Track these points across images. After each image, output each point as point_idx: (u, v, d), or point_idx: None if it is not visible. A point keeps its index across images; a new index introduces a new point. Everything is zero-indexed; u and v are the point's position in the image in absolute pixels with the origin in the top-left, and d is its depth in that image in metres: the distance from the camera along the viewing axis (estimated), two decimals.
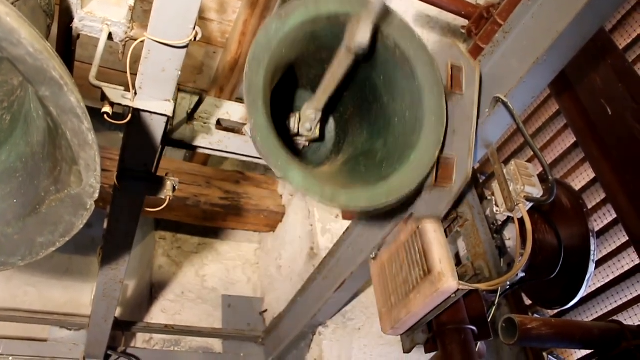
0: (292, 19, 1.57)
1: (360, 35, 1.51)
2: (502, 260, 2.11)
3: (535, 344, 2.98)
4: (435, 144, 1.70)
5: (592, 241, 2.54)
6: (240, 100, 2.07)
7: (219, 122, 1.94)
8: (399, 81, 1.75)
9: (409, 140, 1.71)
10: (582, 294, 2.58)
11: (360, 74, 1.79)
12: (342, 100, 1.93)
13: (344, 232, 2.57)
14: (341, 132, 2.00)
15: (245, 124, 1.95)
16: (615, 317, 3.09)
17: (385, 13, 1.68)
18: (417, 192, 1.83)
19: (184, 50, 1.44)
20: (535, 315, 3.48)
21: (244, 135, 1.94)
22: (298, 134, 1.84)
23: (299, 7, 1.58)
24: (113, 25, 1.47)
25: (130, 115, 1.59)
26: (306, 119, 1.80)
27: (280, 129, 1.65)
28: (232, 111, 1.95)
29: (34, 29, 1.00)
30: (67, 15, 1.48)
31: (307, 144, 1.90)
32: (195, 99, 1.85)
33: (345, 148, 1.96)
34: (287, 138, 1.85)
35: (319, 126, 1.84)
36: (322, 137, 1.96)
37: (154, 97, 1.58)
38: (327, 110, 1.92)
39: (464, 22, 2.84)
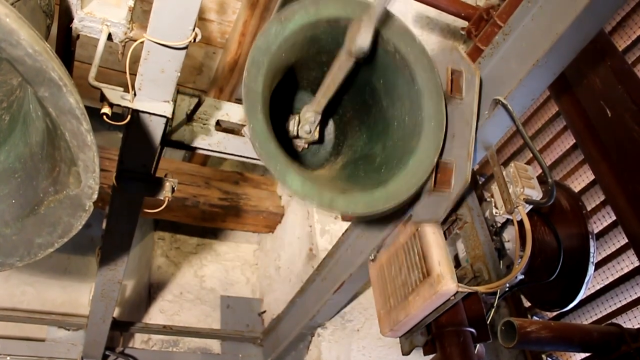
0: (292, 22, 1.57)
1: (361, 40, 1.51)
2: (501, 262, 2.11)
3: (534, 347, 2.98)
4: (435, 149, 1.70)
5: (592, 243, 2.54)
6: (239, 101, 2.07)
7: (218, 123, 1.94)
8: (398, 85, 1.75)
9: (408, 145, 1.70)
10: (581, 296, 2.58)
11: (360, 78, 1.79)
12: (341, 103, 1.93)
13: (343, 234, 2.57)
14: (340, 135, 2.00)
15: (244, 125, 1.95)
16: (614, 320, 3.09)
17: (386, 17, 1.68)
18: (416, 197, 1.83)
19: (184, 51, 1.44)
20: (535, 318, 3.48)
21: (243, 136, 1.94)
22: (297, 136, 1.84)
23: (299, 10, 1.58)
24: (113, 25, 1.47)
25: (129, 116, 1.58)
26: (305, 122, 1.80)
27: (280, 131, 1.65)
28: (232, 112, 1.95)
29: (33, 29, 0.99)
30: (66, 16, 1.48)
31: (306, 146, 1.90)
32: (195, 100, 1.85)
33: (345, 151, 1.96)
34: (286, 140, 1.84)
35: (318, 129, 1.84)
36: (321, 140, 1.96)
37: (153, 98, 1.57)
38: (327, 113, 1.92)
39: (464, 23, 2.84)
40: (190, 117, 1.87)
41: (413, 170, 1.67)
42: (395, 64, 1.72)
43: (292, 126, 1.82)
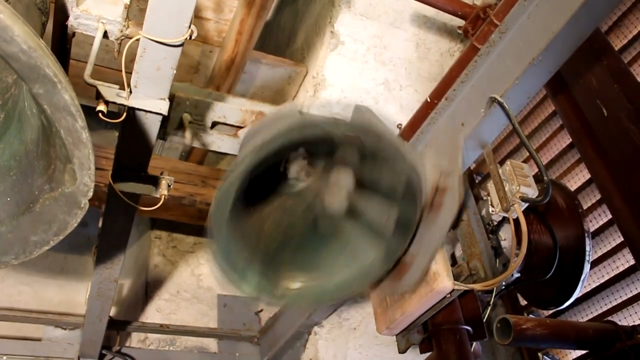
0: (237, 170, 1.52)
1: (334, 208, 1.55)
2: (497, 260, 2.11)
3: (530, 344, 2.99)
4: (395, 257, 1.71)
5: (587, 242, 2.55)
6: None
7: (214, 122, 1.94)
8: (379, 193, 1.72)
9: (375, 242, 1.70)
10: (577, 294, 2.58)
11: None
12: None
13: None
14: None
15: (241, 127, 1.95)
16: (610, 318, 3.10)
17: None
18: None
19: (180, 49, 1.44)
20: (531, 316, 3.49)
21: (239, 137, 1.94)
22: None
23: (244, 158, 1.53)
24: (108, 23, 1.46)
25: (125, 114, 1.58)
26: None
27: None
28: (228, 112, 1.95)
29: (28, 26, 0.99)
30: (62, 13, 1.48)
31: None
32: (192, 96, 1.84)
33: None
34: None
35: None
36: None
37: (149, 96, 1.57)
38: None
39: (461, 22, 2.84)
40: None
41: (370, 269, 1.70)
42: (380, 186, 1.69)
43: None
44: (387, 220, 1.67)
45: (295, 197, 1.77)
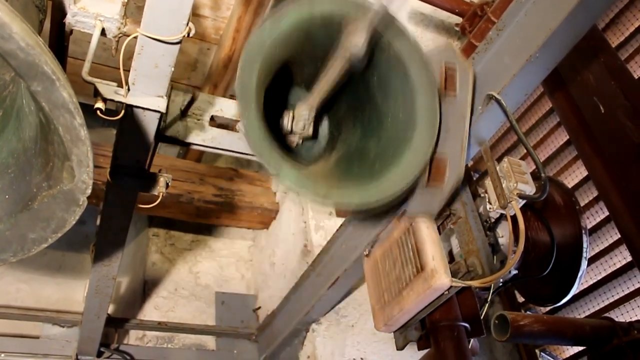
0: (286, 18, 1.57)
1: (356, 45, 1.52)
2: (494, 257, 2.12)
3: (527, 340, 2.99)
4: (428, 143, 1.70)
5: (585, 238, 2.55)
6: (234, 97, 2.06)
7: (212, 119, 1.94)
8: (392, 81, 1.76)
9: (402, 140, 1.71)
10: (574, 291, 2.59)
11: (354, 73, 1.80)
12: (336, 99, 1.94)
13: (337, 230, 2.57)
14: (335, 131, 2.00)
15: (238, 121, 1.95)
16: (607, 314, 3.11)
17: (382, 15, 1.68)
18: (409, 191, 1.84)
19: (177, 46, 1.44)
20: (528, 313, 3.50)
21: (238, 132, 1.94)
22: (291, 132, 1.84)
23: (293, 7, 1.58)
24: (106, 21, 1.46)
25: (123, 112, 1.58)
26: (300, 118, 1.80)
27: (274, 126, 1.65)
28: (226, 108, 1.95)
29: (25, 23, 0.99)
30: (59, 11, 1.47)
31: (300, 142, 1.90)
32: (189, 96, 1.85)
33: (339, 146, 1.96)
34: (280, 135, 1.85)
35: (312, 124, 1.84)
36: (315, 136, 1.96)
37: (147, 94, 1.57)
38: (321, 109, 1.93)
39: (458, 19, 2.85)
40: (184, 113, 1.87)
41: (407, 165, 1.67)
42: (389, 59, 1.72)
43: (286, 122, 1.82)
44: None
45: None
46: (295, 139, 1.88)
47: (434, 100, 1.72)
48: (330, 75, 1.63)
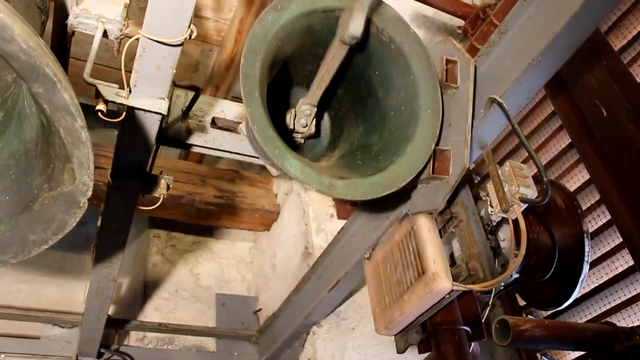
0: (288, 11, 1.57)
1: (353, 26, 1.50)
2: (496, 261, 2.11)
3: (528, 345, 2.98)
4: (432, 136, 1.71)
5: (587, 242, 2.55)
6: (235, 99, 2.07)
7: (214, 121, 1.94)
8: (393, 75, 1.76)
9: (405, 133, 1.71)
10: (576, 295, 2.59)
11: (354, 70, 1.80)
12: (337, 96, 1.94)
13: (338, 232, 2.57)
14: (337, 129, 2.01)
15: (240, 123, 1.95)
16: (608, 319, 3.10)
17: (379, 6, 1.68)
18: (413, 186, 1.84)
19: (179, 48, 1.44)
20: (529, 316, 3.49)
21: (239, 134, 1.94)
22: (294, 131, 1.84)
23: (295, 0, 1.58)
24: (108, 22, 1.46)
25: (124, 113, 1.58)
26: (301, 115, 1.80)
27: (277, 126, 1.65)
28: (227, 110, 1.95)
29: (27, 25, 0.99)
30: (62, 12, 1.47)
31: (302, 140, 1.90)
32: (191, 95, 1.85)
33: (341, 144, 1.97)
34: (283, 135, 1.85)
35: (314, 122, 1.84)
36: (317, 134, 1.96)
37: (148, 95, 1.57)
38: (323, 107, 1.92)
39: (460, 22, 2.84)
40: (185, 114, 1.87)
41: (411, 157, 1.68)
42: (390, 54, 1.72)
43: (289, 120, 1.82)
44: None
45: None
46: (298, 138, 1.88)
47: (436, 92, 1.73)
48: (330, 65, 1.63)
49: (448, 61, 1.80)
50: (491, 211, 2.10)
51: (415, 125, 1.70)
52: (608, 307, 3.19)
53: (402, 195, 1.94)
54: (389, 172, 1.66)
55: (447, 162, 1.75)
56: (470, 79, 1.74)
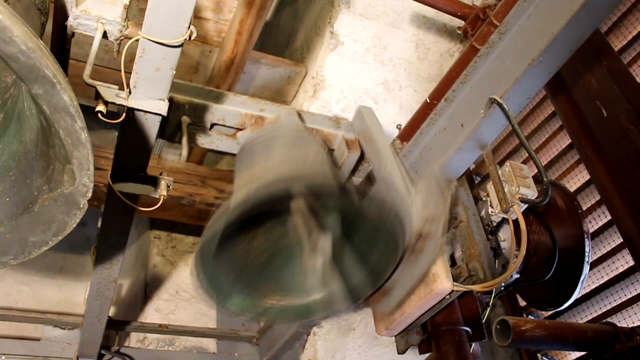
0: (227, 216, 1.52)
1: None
2: (496, 261, 2.11)
3: (529, 346, 2.98)
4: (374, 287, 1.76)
5: (587, 242, 2.55)
6: None
7: (212, 124, 1.94)
8: (361, 232, 1.75)
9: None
10: (576, 295, 2.58)
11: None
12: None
13: None
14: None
15: (240, 129, 1.95)
16: (609, 319, 3.10)
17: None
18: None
19: (179, 49, 1.44)
20: (530, 317, 3.49)
21: (237, 138, 1.94)
22: None
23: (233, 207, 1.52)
24: (108, 23, 1.46)
25: (124, 114, 1.58)
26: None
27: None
28: (227, 113, 1.95)
29: (27, 26, 0.99)
30: (61, 13, 1.47)
31: None
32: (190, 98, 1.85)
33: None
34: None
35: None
36: None
37: (148, 96, 1.57)
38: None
39: (460, 23, 2.84)
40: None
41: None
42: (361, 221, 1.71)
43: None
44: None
45: (281, 229, 1.81)
46: None
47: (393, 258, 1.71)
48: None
49: (424, 232, 1.73)
50: (491, 211, 2.10)
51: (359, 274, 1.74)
52: (608, 307, 3.19)
53: None
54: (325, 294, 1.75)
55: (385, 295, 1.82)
56: (432, 255, 1.74)
